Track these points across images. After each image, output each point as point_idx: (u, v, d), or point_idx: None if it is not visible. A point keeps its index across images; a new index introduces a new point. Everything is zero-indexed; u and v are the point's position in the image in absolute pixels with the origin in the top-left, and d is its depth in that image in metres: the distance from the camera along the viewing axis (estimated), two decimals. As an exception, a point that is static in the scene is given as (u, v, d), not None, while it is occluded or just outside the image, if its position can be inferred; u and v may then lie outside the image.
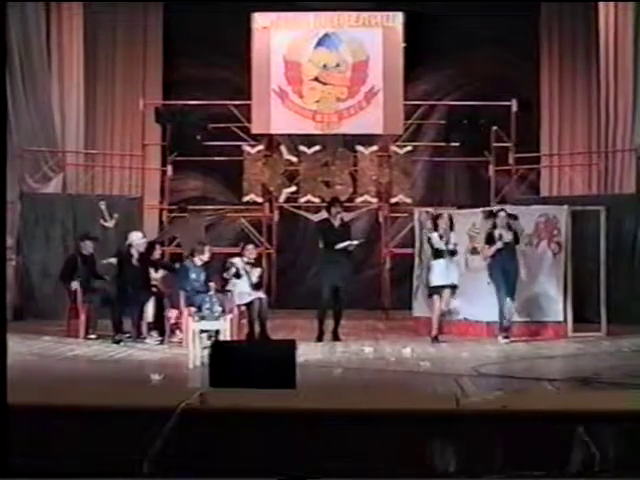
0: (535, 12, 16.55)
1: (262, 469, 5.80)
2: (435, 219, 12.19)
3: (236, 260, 12.18)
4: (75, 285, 12.32)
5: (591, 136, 16.32)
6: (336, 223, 12.32)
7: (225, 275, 11.94)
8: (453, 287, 12.05)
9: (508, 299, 11.80)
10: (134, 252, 12.21)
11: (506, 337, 11.76)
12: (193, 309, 10.84)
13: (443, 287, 12.00)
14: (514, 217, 12.26)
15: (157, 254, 12.82)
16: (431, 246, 12.12)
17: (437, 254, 12.03)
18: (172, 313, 11.85)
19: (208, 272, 11.98)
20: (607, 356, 10.54)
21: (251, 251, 12.41)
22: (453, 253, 12.01)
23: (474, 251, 12.54)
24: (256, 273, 12.27)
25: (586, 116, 16.46)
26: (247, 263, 12.24)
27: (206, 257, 12.12)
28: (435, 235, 12.06)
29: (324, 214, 13.04)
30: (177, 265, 12.67)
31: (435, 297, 12.04)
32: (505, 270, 11.85)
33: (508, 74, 16.70)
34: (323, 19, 16.60)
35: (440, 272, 11.98)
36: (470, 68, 16.77)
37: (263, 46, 16.42)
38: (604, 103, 15.71)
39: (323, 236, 12.35)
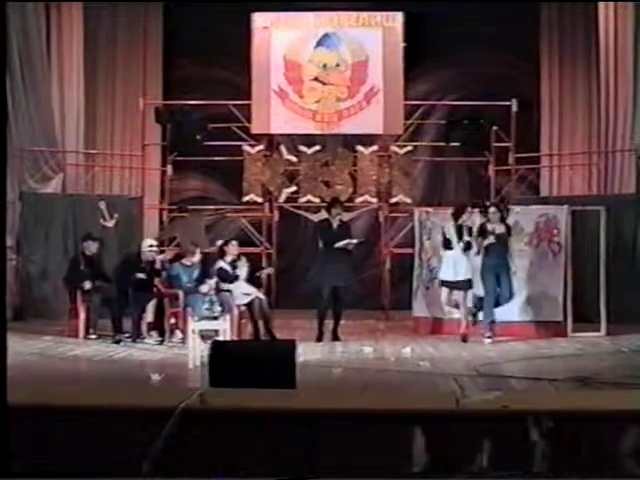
0: (535, 12, 16.55)
1: (262, 469, 5.80)
2: (458, 210, 12.23)
3: (219, 264, 12.07)
4: (88, 285, 12.27)
5: (591, 136, 16.31)
6: (335, 224, 12.32)
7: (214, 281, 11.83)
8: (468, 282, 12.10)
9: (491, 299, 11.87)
10: (143, 259, 12.25)
11: (489, 337, 11.79)
12: (191, 309, 10.85)
13: (458, 282, 12.07)
14: (507, 210, 12.27)
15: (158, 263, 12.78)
16: (443, 236, 12.19)
17: (447, 245, 12.10)
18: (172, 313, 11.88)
19: (202, 272, 11.98)
20: (607, 356, 10.54)
21: (233, 247, 12.31)
22: (468, 246, 12.08)
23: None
24: (245, 268, 12.19)
25: (586, 116, 16.45)
26: (232, 261, 12.16)
27: (196, 258, 12.13)
28: (451, 225, 12.10)
29: (324, 214, 13.04)
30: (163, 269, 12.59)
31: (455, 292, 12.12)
32: (496, 268, 11.88)
33: (508, 74, 16.68)
34: (323, 19, 16.59)
35: (450, 266, 12.05)
36: (470, 68, 16.74)
37: (263, 46, 16.41)
38: (604, 103, 15.70)
39: (323, 236, 12.36)
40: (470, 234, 12.05)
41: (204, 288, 11.30)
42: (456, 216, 12.16)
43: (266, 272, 12.61)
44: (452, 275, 12.09)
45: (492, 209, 12.13)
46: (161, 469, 5.78)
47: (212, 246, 13.61)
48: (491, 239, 11.86)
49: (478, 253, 11.99)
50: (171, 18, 16.94)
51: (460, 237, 12.05)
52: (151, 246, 12.51)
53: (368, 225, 16.68)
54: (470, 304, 12.18)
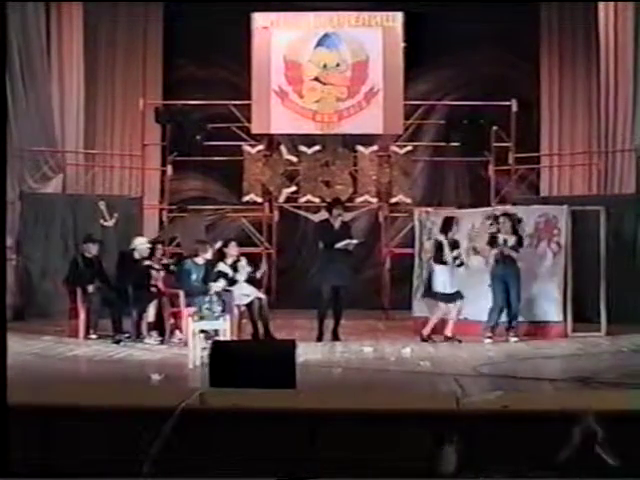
0: (535, 12, 16.55)
1: (262, 469, 5.80)
2: (447, 222, 12.21)
3: (219, 267, 12.06)
4: (90, 288, 12.27)
5: (591, 136, 16.31)
6: (336, 224, 12.31)
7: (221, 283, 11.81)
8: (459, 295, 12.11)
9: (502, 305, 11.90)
10: (137, 255, 12.26)
11: (489, 337, 11.82)
12: (192, 309, 10.84)
13: (451, 295, 12.06)
14: (518, 220, 12.26)
15: (159, 254, 12.82)
16: (438, 249, 12.13)
17: (442, 260, 12.07)
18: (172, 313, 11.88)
19: (206, 273, 11.98)
20: (607, 356, 10.55)
21: (233, 249, 12.32)
22: (460, 263, 12.10)
23: (474, 251, 12.56)
24: (245, 269, 12.18)
25: (586, 116, 16.46)
26: (233, 263, 12.16)
27: (209, 255, 12.13)
28: (444, 239, 12.08)
29: (324, 214, 13.03)
30: (174, 267, 12.60)
31: (441, 304, 12.12)
32: (506, 278, 11.92)
33: (508, 74, 16.69)
34: (323, 19, 16.59)
35: (444, 279, 12.03)
36: (470, 68, 16.76)
37: (263, 46, 16.41)
38: (604, 103, 15.70)
39: (323, 237, 12.35)
40: (457, 248, 12.07)
41: (213, 288, 11.26)
42: (445, 230, 12.15)
43: (262, 271, 12.57)
44: (448, 287, 12.07)
45: (502, 218, 12.13)
46: (161, 469, 5.78)
47: (212, 246, 13.59)
48: (506, 251, 11.88)
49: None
50: (171, 18, 16.95)
51: (452, 251, 12.04)
52: (148, 243, 12.52)
53: (368, 225, 16.69)
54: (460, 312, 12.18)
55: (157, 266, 12.44)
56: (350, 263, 12.45)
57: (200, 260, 12.07)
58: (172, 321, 11.96)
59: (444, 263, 12.05)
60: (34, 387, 7.24)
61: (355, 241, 12.39)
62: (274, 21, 16.50)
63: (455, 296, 12.06)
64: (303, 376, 7.33)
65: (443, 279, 12.06)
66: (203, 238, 13.87)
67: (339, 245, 12.10)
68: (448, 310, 12.09)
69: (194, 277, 11.91)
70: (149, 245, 12.53)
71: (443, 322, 12.76)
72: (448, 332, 12.01)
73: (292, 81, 16.47)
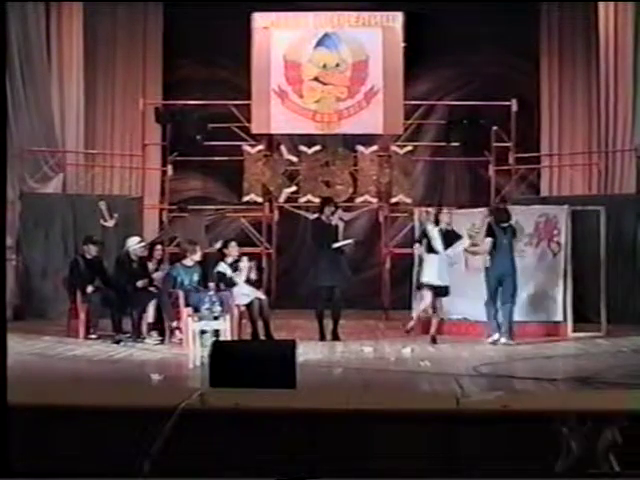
0: (535, 12, 16.56)
1: (262, 469, 5.80)
2: (437, 214, 12.20)
3: (219, 268, 12.04)
4: (90, 289, 12.28)
5: (591, 136, 16.32)
6: (333, 222, 12.30)
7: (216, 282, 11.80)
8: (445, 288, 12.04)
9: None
10: (133, 257, 12.26)
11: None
12: (191, 309, 10.83)
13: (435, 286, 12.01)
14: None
15: (158, 254, 12.82)
16: (428, 240, 12.08)
17: (432, 250, 12.01)
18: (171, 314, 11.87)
19: (205, 272, 11.96)
20: (607, 356, 10.55)
21: (233, 249, 12.29)
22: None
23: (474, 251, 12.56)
24: (245, 270, 12.15)
25: (586, 116, 16.47)
26: (233, 262, 12.14)
27: (198, 256, 12.03)
28: (435, 230, 12.03)
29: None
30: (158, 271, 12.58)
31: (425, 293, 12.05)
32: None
33: (508, 74, 16.70)
34: (323, 19, 16.59)
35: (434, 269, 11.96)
36: (470, 68, 16.76)
37: (263, 46, 16.41)
38: (604, 103, 15.71)
39: (314, 236, 12.35)
40: (454, 238, 12.05)
41: (213, 285, 11.29)
42: (436, 219, 12.13)
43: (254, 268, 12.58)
44: (436, 279, 12.01)
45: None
46: (161, 469, 5.78)
47: (212, 246, 13.60)
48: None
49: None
50: (171, 18, 16.95)
51: (445, 241, 11.99)
52: (139, 242, 12.52)
53: (368, 225, 16.69)
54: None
55: (153, 267, 12.45)
56: (343, 263, 12.36)
57: (189, 262, 11.96)
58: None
59: (434, 252, 12.00)
60: (34, 387, 7.24)
61: (351, 241, 12.38)
62: (274, 21, 16.50)
63: (444, 290, 12.00)
64: (303, 376, 7.33)
65: (435, 269, 11.98)
66: (203, 238, 13.87)
67: (336, 245, 12.09)
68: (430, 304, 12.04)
69: (186, 281, 11.80)
70: (142, 245, 12.53)
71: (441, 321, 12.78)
72: (433, 331, 11.95)
73: (292, 81, 16.47)
